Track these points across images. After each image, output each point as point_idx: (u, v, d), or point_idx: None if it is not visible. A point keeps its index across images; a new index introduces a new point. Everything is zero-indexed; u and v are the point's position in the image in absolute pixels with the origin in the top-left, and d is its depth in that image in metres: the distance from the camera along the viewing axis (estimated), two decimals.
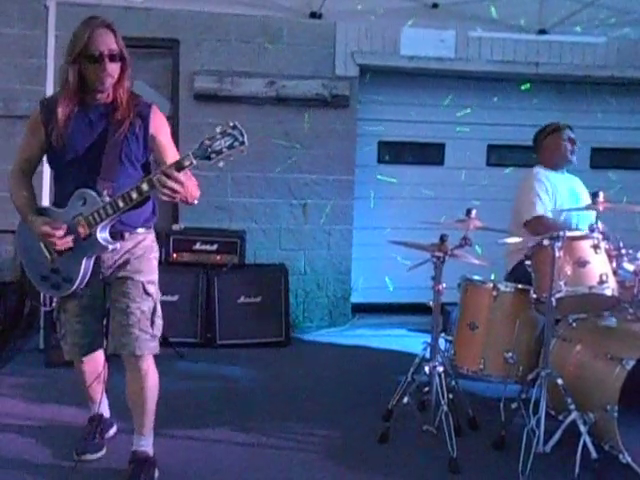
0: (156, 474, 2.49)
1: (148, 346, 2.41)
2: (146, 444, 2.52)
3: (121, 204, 2.21)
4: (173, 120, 4.85)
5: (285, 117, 4.89)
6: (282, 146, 4.93)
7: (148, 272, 2.46)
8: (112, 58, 2.26)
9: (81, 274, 2.33)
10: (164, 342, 4.07)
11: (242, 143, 2.10)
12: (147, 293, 2.42)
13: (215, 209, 4.89)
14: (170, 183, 2.11)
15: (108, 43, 2.26)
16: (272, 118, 4.87)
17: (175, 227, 4.62)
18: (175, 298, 4.34)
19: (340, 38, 4.91)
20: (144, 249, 2.47)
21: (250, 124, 4.78)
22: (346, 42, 4.92)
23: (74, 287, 2.35)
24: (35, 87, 4.28)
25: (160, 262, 4.40)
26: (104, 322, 2.52)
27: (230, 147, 2.09)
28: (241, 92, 4.77)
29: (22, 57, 4.55)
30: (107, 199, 2.24)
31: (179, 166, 2.12)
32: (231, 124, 2.10)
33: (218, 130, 2.09)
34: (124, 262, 2.41)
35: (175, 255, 4.46)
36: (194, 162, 2.11)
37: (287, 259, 4.91)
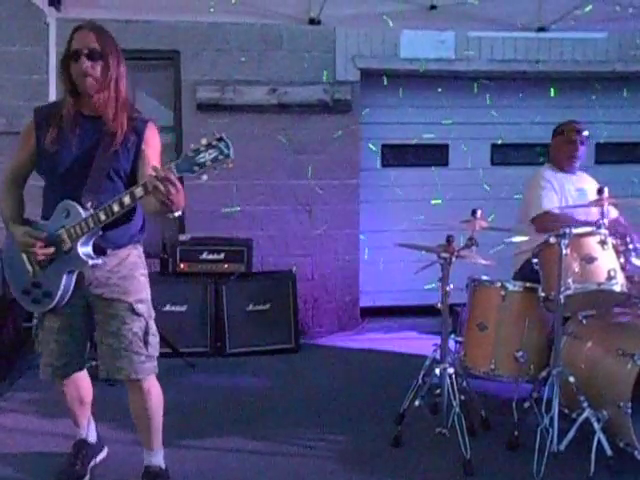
0: None
1: (144, 368, 2.33)
2: (156, 459, 2.49)
3: (102, 217, 2.15)
4: (176, 131, 4.89)
5: (288, 124, 4.90)
6: (286, 153, 4.94)
7: (136, 291, 2.36)
8: (90, 56, 2.21)
9: (61, 289, 2.26)
10: (174, 353, 4.10)
11: (227, 156, 1.98)
12: (137, 314, 2.33)
13: (221, 218, 4.90)
14: (166, 185, 1.97)
15: (86, 41, 2.22)
16: (275, 125, 4.88)
17: (181, 237, 4.63)
18: (184, 308, 4.35)
19: (340, 43, 4.93)
20: (129, 267, 2.37)
21: (253, 132, 4.89)
22: (346, 47, 4.94)
23: (54, 303, 2.28)
24: (38, 103, 4.27)
25: (167, 273, 4.53)
26: (86, 344, 2.47)
27: (214, 160, 1.98)
28: (243, 101, 4.79)
29: (24, 74, 4.59)
30: (90, 211, 2.19)
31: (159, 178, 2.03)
32: (217, 136, 1.99)
33: (203, 142, 1.99)
34: (108, 281, 2.33)
35: (182, 265, 4.47)
36: (175, 175, 2.01)
37: (294, 265, 4.91)
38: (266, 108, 4.83)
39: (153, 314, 2.41)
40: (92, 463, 2.68)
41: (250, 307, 4.43)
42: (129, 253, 2.39)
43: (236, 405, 3.49)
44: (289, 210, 5.00)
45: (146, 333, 2.35)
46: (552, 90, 5.39)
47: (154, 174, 2.00)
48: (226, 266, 4.49)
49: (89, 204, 2.21)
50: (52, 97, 4.02)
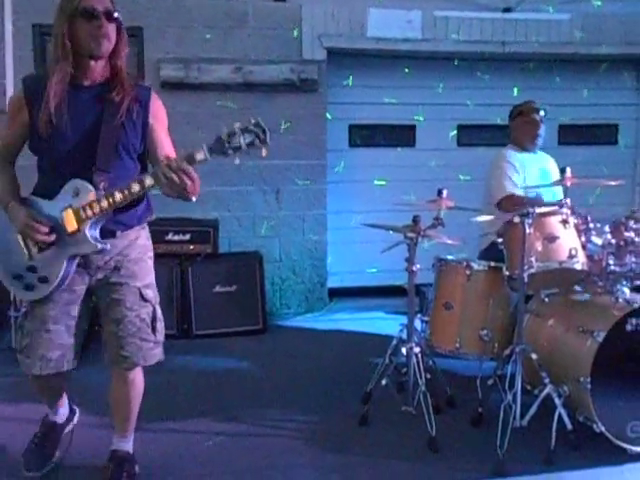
0: (136, 470, 2.45)
1: (152, 354, 2.25)
2: (126, 444, 2.45)
3: (118, 198, 2.00)
4: None
5: (253, 103, 4.83)
6: None
7: (144, 276, 2.25)
8: (109, 17, 2.05)
9: (61, 275, 2.09)
10: None
11: (264, 142, 1.91)
12: (144, 299, 2.23)
13: None
14: (181, 177, 1.90)
15: (103, 1, 2.06)
16: (240, 104, 4.80)
17: None
18: None
19: (306, 21, 4.86)
20: (139, 249, 2.25)
21: (218, 111, 4.81)
22: (312, 25, 4.88)
23: (50, 289, 2.11)
24: None
25: None
26: (78, 338, 2.27)
27: (250, 144, 1.92)
28: (208, 79, 4.69)
29: None
30: (102, 192, 2.03)
31: (190, 160, 1.92)
32: (253, 121, 1.92)
33: (237, 125, 1.91)
34: (116, 264, 2.20)
35: None
36: (209, 158, 1.91)
37: (262, 246, 4.89)
38: (231, 87, 4.75)
39: (158, 299, 2.32)
40: (66, 430, 2.62)
41: (217, 288, 4.40)
42: (138, 234, 2.27)
43: (204, 387, 3.48)
44: (256, 190, 4.96)
45: (154, 319, 2.26)
46: (517, 71, 5.43)
47: (166, 163, 1.92)
48: (192, 247, 4.44)
49: (102, 184, 2.05)
50: (9, 69, 3.86)
